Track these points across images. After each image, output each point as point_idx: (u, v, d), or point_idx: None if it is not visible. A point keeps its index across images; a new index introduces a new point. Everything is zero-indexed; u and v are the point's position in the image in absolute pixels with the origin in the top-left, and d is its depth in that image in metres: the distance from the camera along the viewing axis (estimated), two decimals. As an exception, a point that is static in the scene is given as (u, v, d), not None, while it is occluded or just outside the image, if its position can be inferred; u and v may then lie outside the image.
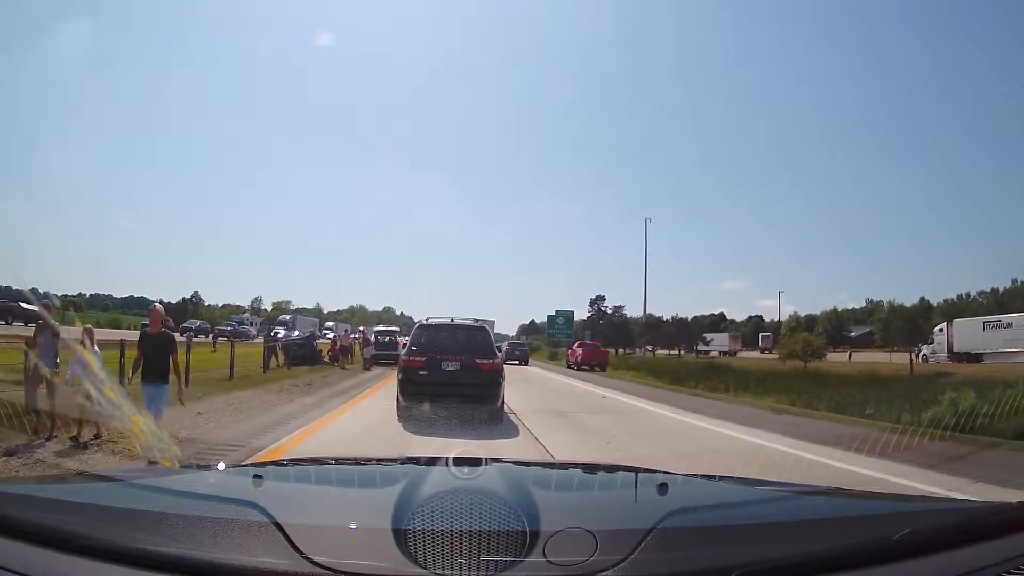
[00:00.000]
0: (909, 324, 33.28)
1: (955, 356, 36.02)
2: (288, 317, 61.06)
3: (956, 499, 2.92)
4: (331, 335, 29.36)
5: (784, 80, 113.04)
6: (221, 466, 2.61)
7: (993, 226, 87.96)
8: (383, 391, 13.67)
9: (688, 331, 54.06)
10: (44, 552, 1.06)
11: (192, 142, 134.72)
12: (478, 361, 9.15)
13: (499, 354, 10.11)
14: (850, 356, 43.39)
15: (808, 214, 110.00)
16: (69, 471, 4.59)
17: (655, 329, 50.92)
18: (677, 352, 50.33)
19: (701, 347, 55.91)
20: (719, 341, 61.61)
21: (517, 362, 31.68)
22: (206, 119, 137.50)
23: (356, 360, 24.35)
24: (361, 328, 33.04)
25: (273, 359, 19.25)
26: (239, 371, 15.40)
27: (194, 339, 29.43)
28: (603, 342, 42.50)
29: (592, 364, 31.18)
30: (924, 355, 35.92)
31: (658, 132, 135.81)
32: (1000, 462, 6.76)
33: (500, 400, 9.19)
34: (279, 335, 26.26)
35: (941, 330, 37.63)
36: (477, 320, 10.39)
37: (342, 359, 23.10)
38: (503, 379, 9.45)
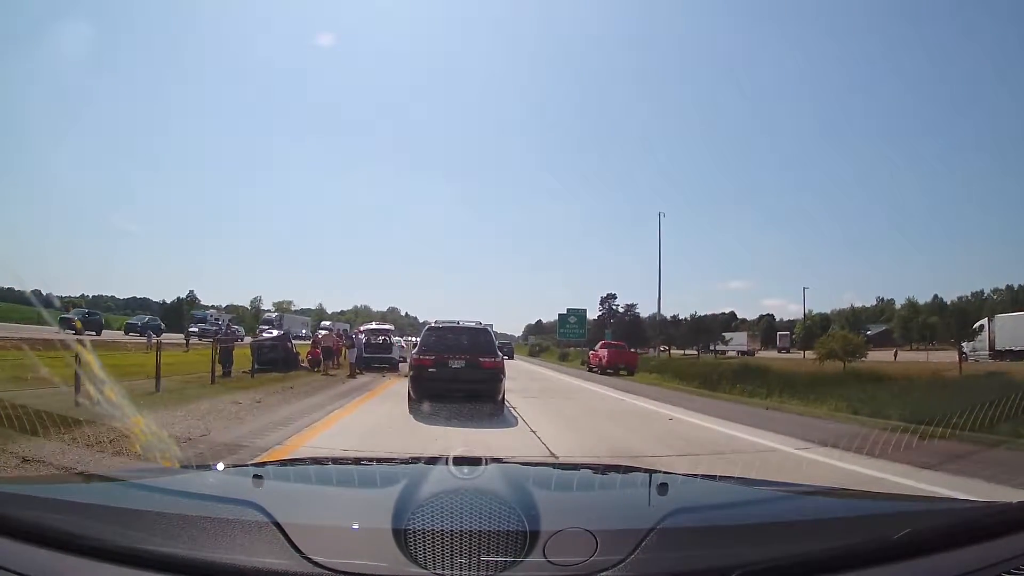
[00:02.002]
0: (958, 319, 32.51)
1: (997, 354, 35.69)
2: (275, 316, 58.36)
3: (956, 499, 2.96)
4: (322, 335, 26.34)
5: (788, 79, 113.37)
6: (221, 466, 2.70)
7: (997, 226, 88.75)
8: (362, 410, 10.74)
9: (705, 330, 54.03)
10: (44, 552, 1.12)
11: (193, 143, 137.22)
12: (481, 359, 10.63)
13: (500, 354, 11.49)
14: (896, 355, 43.03)
15: (814, 213, 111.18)
16: (69, 471, 4.65)
17: (671, 328, 50.88)
18: (696, 352, 50.27)
19: (720, 347, 55.89)
20: (737, 340, 61.66)
21: (506, 357, 31.46)
22: (208, 119, 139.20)
23: (345, 364, 21.39)
24: (361, 328, 29.42)
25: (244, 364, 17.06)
26: (186, 379, 13.19)
27: (155, 338, 28.31)
28: (617, 342, 42.09)
29: (618, 367, 28.99)
30: (964, 353, 35.65)
31: (661, 131, 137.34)
32: None
33: (501, 394, 10.66)
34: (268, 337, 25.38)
35: (982, 327, 37.22)
36: (480, 323, 11.92)
37: (324, 363, 20.74)
38: (504, 376, 10.86)
